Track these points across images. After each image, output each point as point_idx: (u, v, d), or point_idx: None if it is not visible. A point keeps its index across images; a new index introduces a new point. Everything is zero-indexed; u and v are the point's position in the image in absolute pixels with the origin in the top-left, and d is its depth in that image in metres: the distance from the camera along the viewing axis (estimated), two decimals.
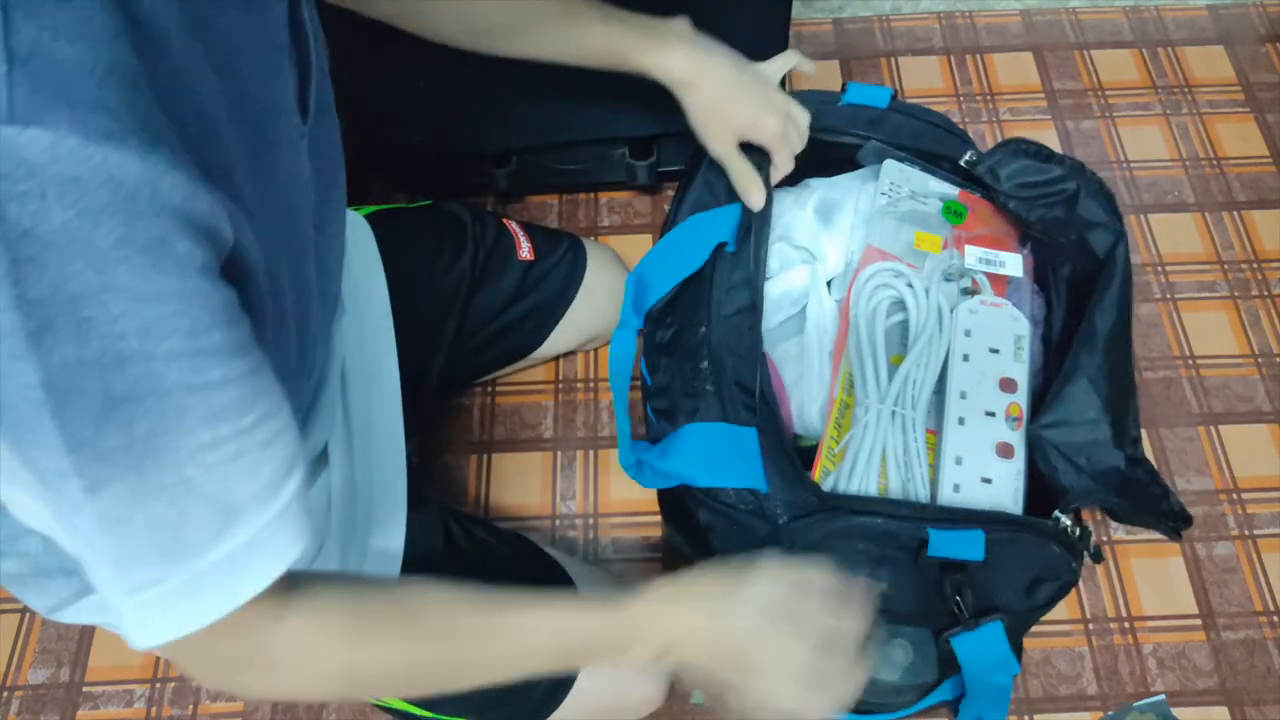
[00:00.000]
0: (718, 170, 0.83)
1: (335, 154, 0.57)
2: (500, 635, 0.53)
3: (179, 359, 0.35)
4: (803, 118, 0.80)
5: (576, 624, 0.55)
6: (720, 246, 0.80)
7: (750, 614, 0.55)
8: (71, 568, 0.59)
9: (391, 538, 0.72)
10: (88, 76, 0.31)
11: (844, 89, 0.87)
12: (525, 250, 0.92)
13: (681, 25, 0.74)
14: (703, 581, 0.57)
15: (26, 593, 0.62)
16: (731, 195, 0.81)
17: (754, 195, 0.77)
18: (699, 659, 0.56)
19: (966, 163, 0.85)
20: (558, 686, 0.77)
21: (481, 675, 0.54)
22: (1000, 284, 0.81)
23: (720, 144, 0.77)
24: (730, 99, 0.75)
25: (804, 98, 0.86)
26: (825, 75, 1.32)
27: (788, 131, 0.78)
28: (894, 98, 0.87)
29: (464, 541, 0.76)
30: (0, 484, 0.38)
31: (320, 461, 0.71)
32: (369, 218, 0.84)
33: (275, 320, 0.48)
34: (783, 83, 1.09)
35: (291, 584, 0.46)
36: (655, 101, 0.83)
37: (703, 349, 0.77)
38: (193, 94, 0.37)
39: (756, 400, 0.73)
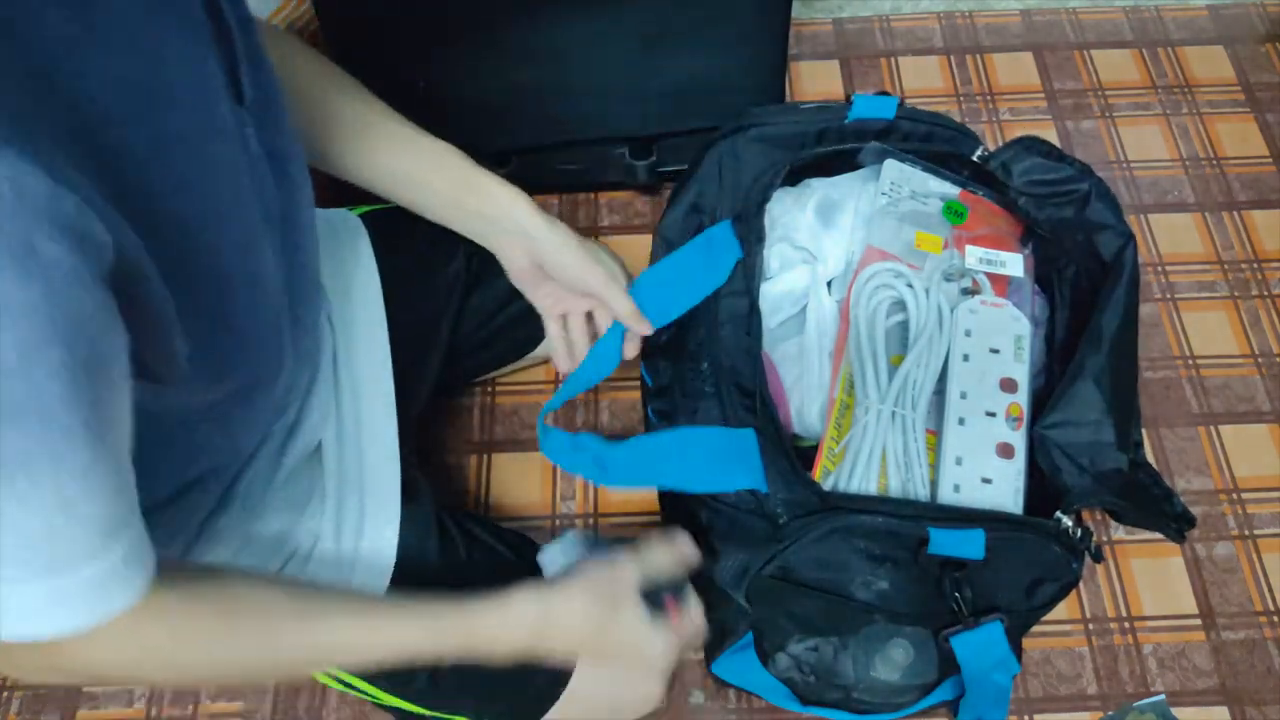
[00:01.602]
0: (715, 171, 0.83)
1: (292, 141, 0.56)
2: (364, 639, 0.57)
3: (60, 375, 0.35)
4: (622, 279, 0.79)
5: (441, 631, 0.60)
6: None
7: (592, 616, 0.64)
8: None
9: (385, 535, 0.72)
10: None
11: (849, 100, 0.87)
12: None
13: (522, 208, 0.75)
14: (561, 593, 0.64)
15: None
16: (731, 206, 0.82)
17: (562, 366, 0.81)
18: (563, 647, 0.66)
19: (979, 158, 0.85)
20: (555, 682, 0.77)
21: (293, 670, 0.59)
22: (1001, 284, 0.81)
23: (543, 296, 0.79)
24: (565, 250, 0.75)
25: (811, 110, 0.87)
26: (825, 75, 1.32)
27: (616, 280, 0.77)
28: (900, 105, 0.87)
29: (459, 539, 0.76)
30: None
31: (315, 457, 0.71)
32: (364, 217, 0.84)
33: (207, 320, 0.47)
34: (781, 91, 1.09)
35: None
36: (655, 102, 0.83)
37: (702, 351, 0.77)
38: (70, 81, 0.36)
39: (756, 402, 0.73)
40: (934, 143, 0.87)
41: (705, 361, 0.76)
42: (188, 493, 0.59)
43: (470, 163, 0.74)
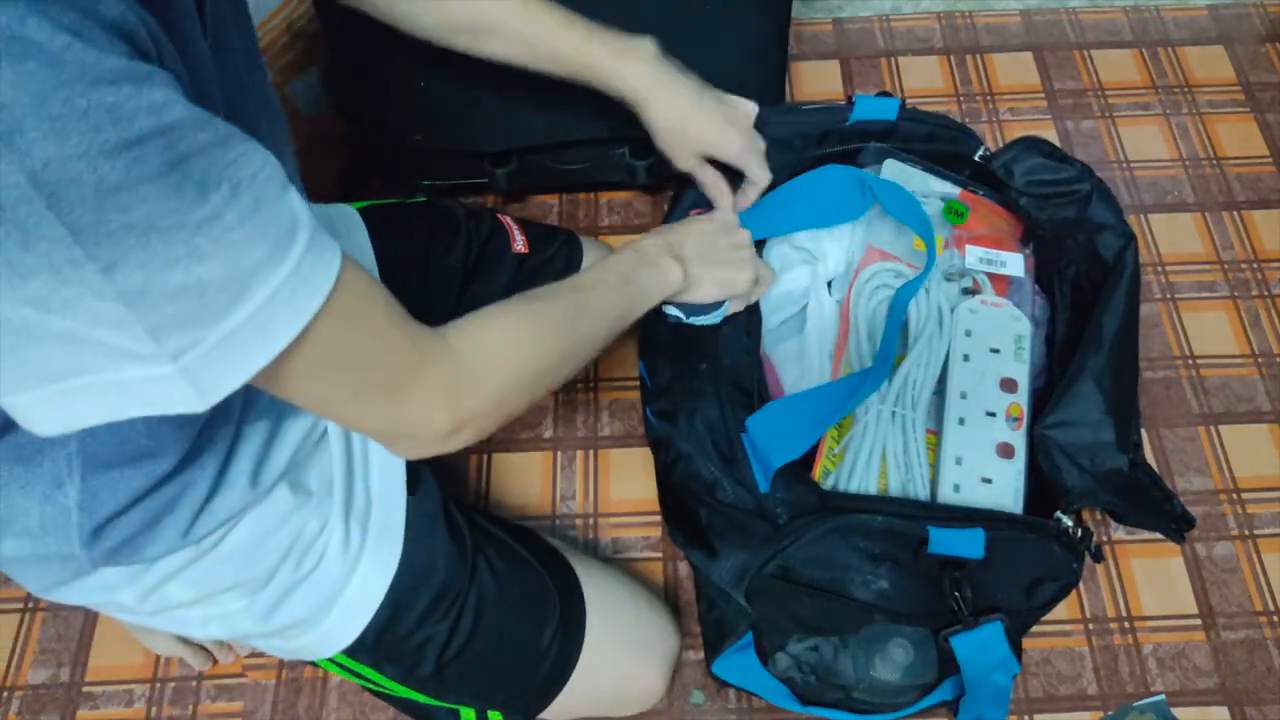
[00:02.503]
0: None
1: (246, 84, 0.56)
2: (586, 288, 0.67)
3: (153, 139, 0.36)
4: (762, 144, 0.82)
5: (613, 259, 0.71)
6: None
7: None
8: (69, 551, 0.59)
9: (392, 520, 0.72)
10: None
11: (850, 102, 0.87)
12: (519, 243, 0.92)
13: (648, 44, 0.76)
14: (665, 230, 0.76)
15: (24, 574, 0.63)
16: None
17: (723, 202, 0.81)
18: (689, 253, 0.74)
19: (981, 158, 0.85)
20: (558, 674, 0.77)
21: (595, 319, 0.66)
22: (1001, 284, 0.81)
23: (685, 159, 0.80)
24: (693, 115, 0.77)
25: (813, 111, 0.87)
26: (825, 75, 1.33)
27: (755, 148, 0.80)
28: (902, 106, 0.87)
29: (465, 528, 0.76)
30: (19, 310, 0.37)
31: (322, 445, 0.71)
32: (362, 211, 0.84)
33: None
34: (781, 91, 1.09)
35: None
36: None
37: (702, 351, 0.77)
38: None
39: (754, 401, 0.73)
40: (936, 143, 0.87)
41: (704, 362, 0.76)
42: (187, 467, 0.59)
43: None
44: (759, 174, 0.81)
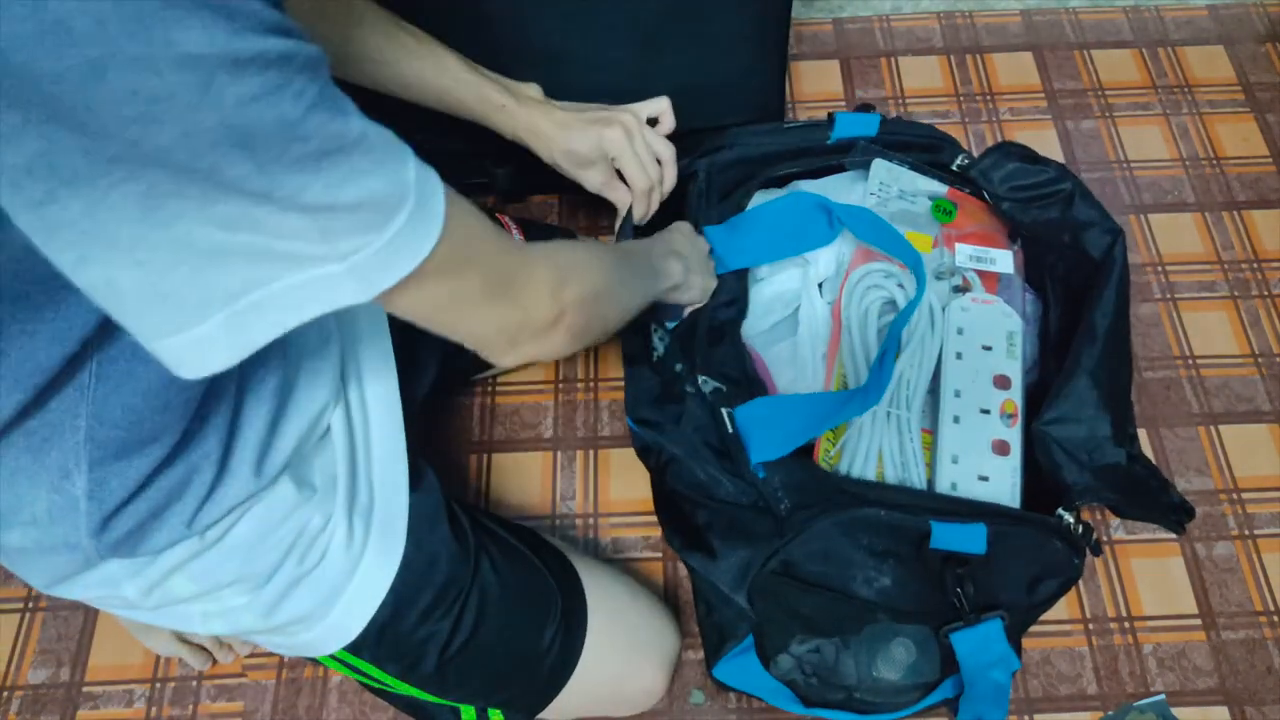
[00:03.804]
0: (710, 176, 0.83)
1: None
2: (626, 256, 0.73)
3: (311, 69, 0.39)
4: (662, 147, 0.85)
5: (647, 244, 0.79)
6: None
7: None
8: (76, 541, 0.59)
9: (395, 516, 0.72)
10: None
11: (830, 120, 0.87)
12: (516, 240, 0.92)
13: (534, 89, 0.83)
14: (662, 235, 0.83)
15: (28, 567, 0.62)
16: (724, 209, 0.82)
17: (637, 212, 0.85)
18: (685, 255, 0.79)
19: (959, 167, 0.85)
20: (559, 673, 0.77)
21: (629, 282, 0.71)
22: (991, 281, 0.81)
23: (589, 181, 0.84)
24: (572, 131, 0.81)
25: (794, 129, 0.88)
26: (825, 75, 1.33)
27: (635, 148, 0.82)
28: (882, 121, 0.87)
29: (467, 524, 0.77)
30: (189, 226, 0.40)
31: (325, 441, 0.71)
32: None
33: None
34: (781, 90, 1.10)
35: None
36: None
37: (674, 348, 0.77)
38: None
39: (742, 389, 0.73)
40: (913, 152, 0.88)
41: (679, 363, 0.76)
42: (190, 449, 0.60)
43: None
44: (635, 175, 0.83)
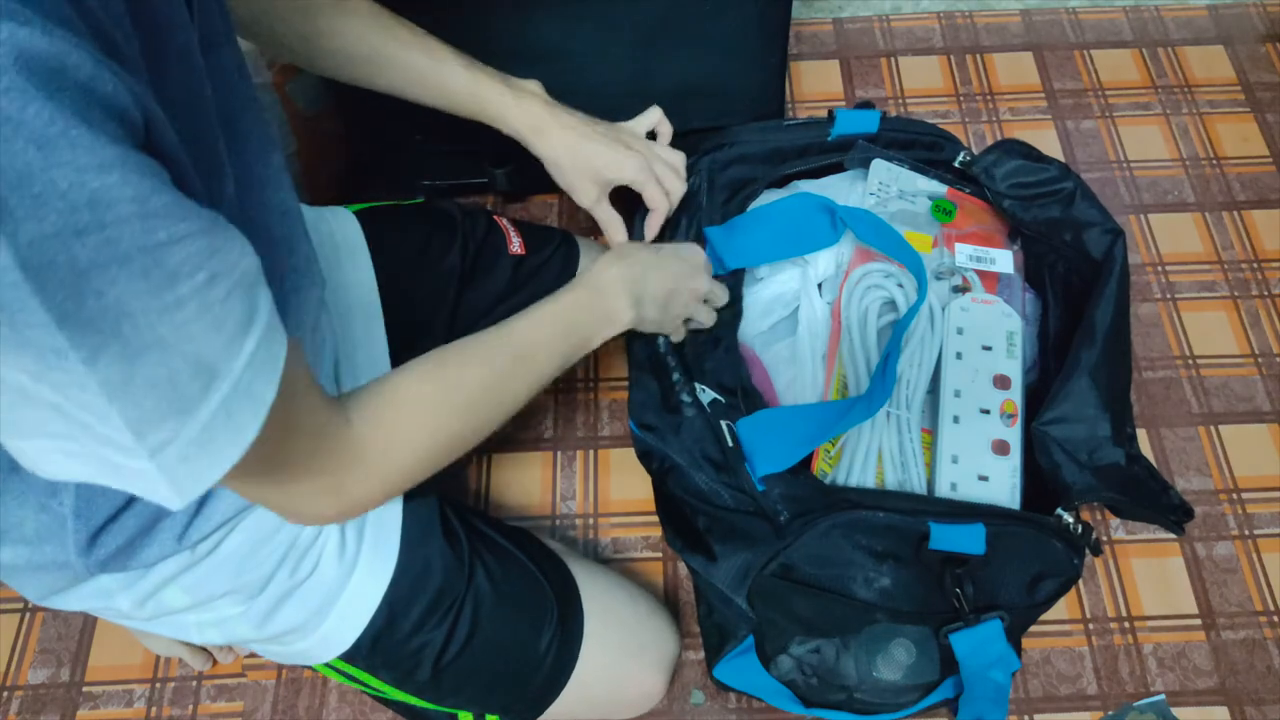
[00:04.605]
0: (712, 174, 0.83)
1: (236, 90, 0.56)
2: (518, 337, 0.67)
3: (130, 223, 0.36)
4: (674, 158, 0.82)
5: (561, 304, 0.70)
6: None
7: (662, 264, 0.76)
8: (65, 559, 0.59)
9: (388, 525, 0.72)
10: None
11: (830, 117, 0.87)
12: (516, 245, 0.92)
13: (535, 85, 0.78)
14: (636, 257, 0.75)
15: (21, 582, 0.63)
16: (728, 209, 0.82)
17: (619, 240, 0.81)
18: (650, 292, 0.73)
19: (961, 163, 0.85)
20: (556, 677, 0.77)
21: (526, 378, 0.67)
22: (991, 281, 0.81)
23: (584, 195, 0.79)
24: (583, 144, 0.77)
25: (794, 126, 0.87)
26: (825, 75, 1.33)
27: (656, 172, 0.79)
28: (883, 117, 0.87)
29: (461, 532, 0.76)
30: (8, 398, 0.37)
31: None
32: (358, 213, 0.84)
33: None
34: (781, 90, 1.10)
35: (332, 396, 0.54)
36: (655, 102, 0.84)
37: (670, 359, 0.77)
38: None
39: (739, 399, 0.73)
40: (915, 150, 0.87)
41: (676, 372, 0.76)
42: None
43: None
44: (657, 199, 0.80)
